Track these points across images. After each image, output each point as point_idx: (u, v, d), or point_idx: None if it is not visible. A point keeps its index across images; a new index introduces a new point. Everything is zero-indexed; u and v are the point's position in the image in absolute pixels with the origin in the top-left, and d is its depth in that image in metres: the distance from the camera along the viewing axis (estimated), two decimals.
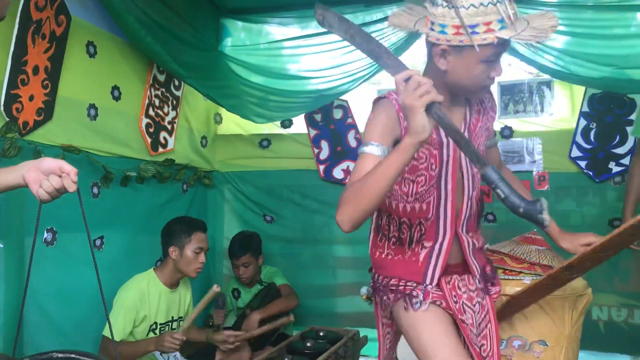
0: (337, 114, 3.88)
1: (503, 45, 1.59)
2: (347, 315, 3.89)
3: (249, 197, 4.02)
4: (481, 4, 1.53)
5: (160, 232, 2.93)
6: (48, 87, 2.45)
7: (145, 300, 2.69)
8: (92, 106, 2.76)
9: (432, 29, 1.61)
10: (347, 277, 3.91)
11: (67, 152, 2.57)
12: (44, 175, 1.33)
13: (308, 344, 3.13)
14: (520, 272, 2.14)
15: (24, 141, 2.35)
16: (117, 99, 2.95)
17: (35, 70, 2.37)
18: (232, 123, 4.03)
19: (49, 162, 1.33)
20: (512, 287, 2.08)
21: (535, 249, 2.19)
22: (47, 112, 2.46)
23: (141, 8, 2.95)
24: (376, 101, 1.77)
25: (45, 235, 2.51)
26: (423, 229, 1.78)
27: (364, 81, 3.62)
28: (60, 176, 1.34)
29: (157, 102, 3.28)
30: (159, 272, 2.81)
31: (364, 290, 3.88)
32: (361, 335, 3.52)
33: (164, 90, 3.35)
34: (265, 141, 4.00)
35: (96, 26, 2.81)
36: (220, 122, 4.07)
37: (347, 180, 1.68)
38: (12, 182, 1.37)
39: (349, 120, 3.87)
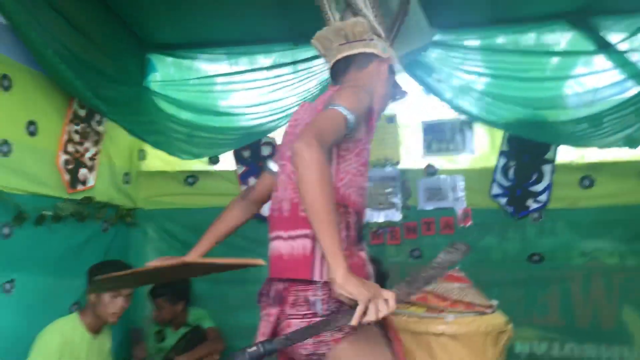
0: (265, 151, 3.87)
1: None
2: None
3: (174, 235, 3.91)
4: None
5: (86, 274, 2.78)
6: None
7: (68, 347, 2.53)
8: (5, 142, 2.61)
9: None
10: None
11: None
12: None
13: None
14: (443, 311, 2.16)
15: None
16: (32, 134, 2.81)
17: None
18: (157, 159, 3.94)
19: None
20: (435, 325, 2.10)
21: (458, 286, 2.23)
22: None
23: (60, 41, 2.86)
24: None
25: None
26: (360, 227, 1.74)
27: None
28: None
29: (77, 137, 3.16)
30: (83, 316, 2.66)
31: None
32: None
33: (85, 125, 3.23)
34: (191, 178, 3.92)
35: (12, 59, 2.68)
36: (145, 158, 3.96)
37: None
38: None
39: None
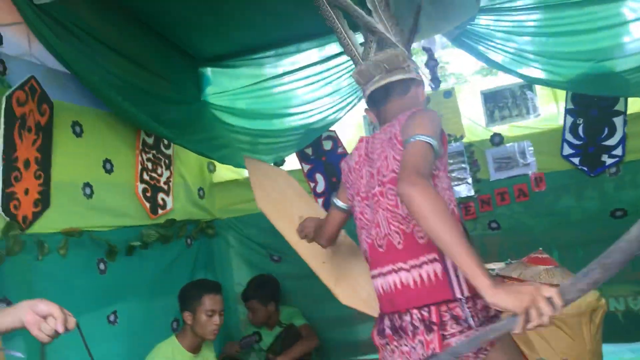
0: (327, 145, 3.91)
1: None
2: (367, 343, 3.83)
3: (253, 239, 4.04)
4: None
5: (177, 297, 2.95)
6: (41, 177, 2.47)
7: None
8: (87, 184, 2.78)
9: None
10: None
11: (69, 237, 2.59)
12: (41, 317, 1.35)
13: None
14: None
15: (26, 235, 2.37)
16: (109, 171, 2.97)
17: (27, 164, 2.39)
18: (226, 169, 4.06)
19: (42, 307, 1.36)
20: None
21: (544, 269, 2.21)
22: (43, 201, 2.48)
23: (120, 76, 2.98)
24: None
25: None
26: None
27: (349, 110, 3.65)
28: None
29: (149, 165, 3.31)
30: (181, 338, 2.83)
31: None
32: None
33: (154, 152, 3.38)
34: None
35: (79, 105, 2.83)
36: (214, 170, 4.10)
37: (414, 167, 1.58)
38: (10, 325, 1.42)
39: (340, 150, 3.89)
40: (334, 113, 3.70)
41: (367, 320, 3.87)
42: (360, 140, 2.01)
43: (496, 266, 2.75)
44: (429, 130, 1.65)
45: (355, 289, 2.87)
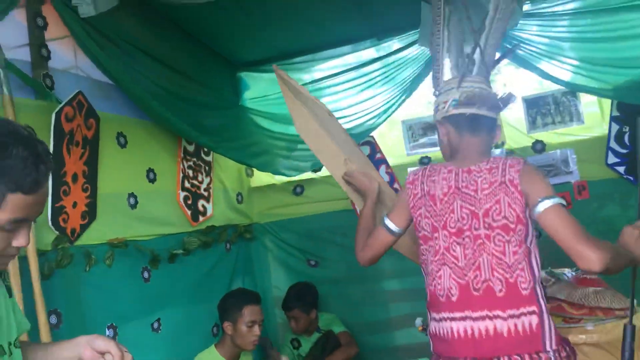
0: (365, 151, 3.89)
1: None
2: (405, 347, 3.90)
3: (290, 244, 4.07)
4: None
5: (217, 308, 2.99)
6: (88, 190, 2.52)
7: None
8: (131, 195, 2.83)
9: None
10: (399, 310, 3.93)
11: (114, 247, 2.64)
12: (99, 354, 1.36)
13: None
14: (581, 319, 2.12)
15: (74, 247, 2.43)
16: (152, 180, 3.02)
17: (74, 178, 2.44)
18: (263, 174, 4.08)
19: (100, 344, 1.36)
20: (574, 334, 2.07)
21: (593, 290, 2.17)
22: (90, 213, 2.53)
23: (161, 86, 3.02)
24: None
25: (107, 332, 2.58)
26: None
27: (388, 116, 3.64)
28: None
29: (190, 173, 3.35)
30: (220, 348, 2.87)
31: (418, 321, 3.89)
32: None
33: (195, 159, 3.42)
34: (298, 187, 4.04)
35: (123, 115, 2.88)
36: (252, 175, 4.13)
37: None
38: None
39: (378, 155, 3.88)
40: (372, 119, 3.68)
41: (403, 327, 3.90)
42: (449, 170, 1.93)
43: None
44: (551, 188, 1.82)
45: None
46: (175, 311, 3.04)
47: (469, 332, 1.78)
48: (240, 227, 3.87)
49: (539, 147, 3.55)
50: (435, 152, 3.82)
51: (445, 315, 1.84)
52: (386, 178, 3.83)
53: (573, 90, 3.38)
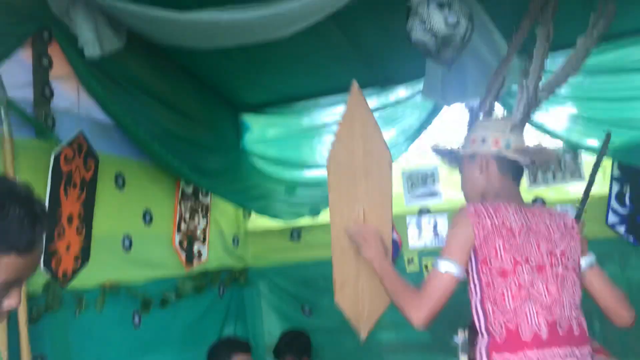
0: None
1: None
2: None
3: (285, 290, 4.01)
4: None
5: (207, 355, 2.91)
6: (82, 233, 2.48)
7: None
8: (126, 237, 2.79)
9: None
10: None
11: (106, 291, 2.59)
12: None
13: None
14: None
15: (65, 291, 2.37)
16: (149, 223, 2.98)
17: (70, 220, 2.40)
18: (260, 218, 4.04)
19: None
20: None
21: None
22: (83, 256, 2.49)
23: (163, 127, 3.01)
24: None
25: None
26: None
27: None
28: None
29: (187, 215, 3.31)
30: None
31: None
32: None
33: (193, 201, 3.38)
34: (295, 232, 4.00)
35: (122, 156, 2.86)
36: (249, 217, 4.09)
37: None
38: None
39: None
40: None
41: None
42: (514, 207, 1.86)
43: None
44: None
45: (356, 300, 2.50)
46: (165, 358, 2.97)
47: None
48: (234, 271, 3.81)
49: (538, 203, 3.53)
50: (434, 203, 3.80)
51: (530, 353, 1.73)
52: None
53: (574, 147, 3.38)
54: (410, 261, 3.78)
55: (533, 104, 2.01)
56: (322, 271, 3.95)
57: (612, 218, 3.38)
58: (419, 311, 1.80)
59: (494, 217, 1.80)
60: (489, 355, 1.75)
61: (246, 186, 3.61)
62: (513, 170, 1.94)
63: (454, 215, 1.86)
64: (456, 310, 3.26)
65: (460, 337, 3.33)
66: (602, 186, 3.46)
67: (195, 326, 3.27)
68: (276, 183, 3.77)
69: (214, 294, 3.55)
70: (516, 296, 1.75)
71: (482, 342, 1.79)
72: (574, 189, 3.53)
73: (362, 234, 2.20)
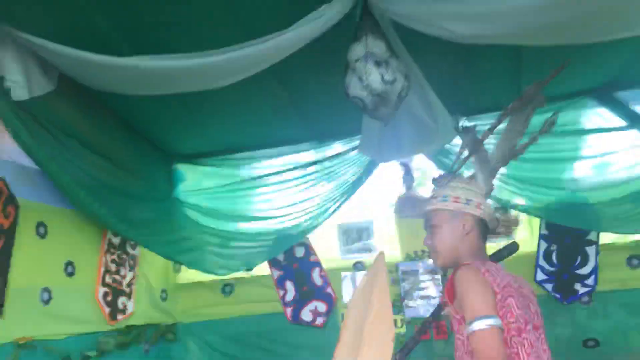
0: (299, 252, 3.83)
1: None
2: None
3: (215, 348, 3.85)
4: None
5: None
6: None
7: None
8: (45, 289, 2.62)
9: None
10: None
11: (21, 348, 2.40)
12: None
13: None
14: None
15: None
16: (71, 274, 2.82)
17: None
18: (191, 270, 3.90)
19: None
20: None
21: None
22: None
23: (92, 175, 2.89)
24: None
25: None
26: None
27: (327, 217, 3.61)
28: None
29: (113, 267, 3.16)
30: None
31: None
32: None
33: (120, 252, 3.24)
34: (227, 287, 3.89)
35: (46, 204, 2.71)
36: (179, 270, 3.94)
37: None
38: None
39: (312, 257, 3.81)
40: (310, 220, 3.65)
41: None
42: (506, 274, 1.85)
43: None
44: None
45: None
46: None
47: None
48: (162, 327, 3.64)
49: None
50: (368, 258, 3.80)
51: None
52: (319, 282, 3.75)
53: (504, 206, 3.47)
54: (344, 317, 3.73)
55: (494, 173, 2.05)
56: (254, 327, 3.85)
57: (540, 275, 3.47)
58: None
59: (498, 276, 1.78)
60: None
61: (177, 238, 3.49)
62: (486, 234, 1.95)
63: (461, 277, 1.74)
64: None
65: None
66: (530, 244, 3.56)
67: None
68: (210, 235, 3.67)
69: (139, 351, 3.37)
70: (530, 354, 1.73)
71: None
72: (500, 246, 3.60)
73: None
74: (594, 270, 3.38)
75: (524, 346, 1.74)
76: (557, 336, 3.47)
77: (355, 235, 3.83)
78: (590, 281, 3.38)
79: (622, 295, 3.41)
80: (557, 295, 3.43)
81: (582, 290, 3.40)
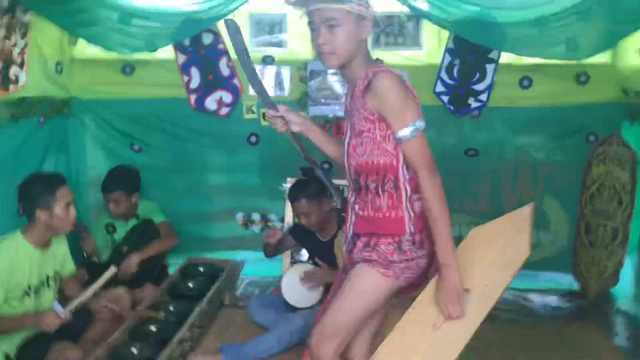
0: (207, 39, 3.69)
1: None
2: (224, 240, 3.99)
3: (113, 125, 3.81)
4: None
5: (18, 192, 2.67)
6: None
7: (16, 268, 2.51)
8: None
9: None
10: (222, 204, 3.97)
11: None
12: None
13: (190, 285, 3.22)
14: None
15: None
16: None
17: None
18: (90, 46, 3.66)
19: None
20: None
21: None
22: None
23: None
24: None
25: None
26: None
27: (240, 4, 3.42)
28: None
29: (2, 32, 2.88)
30: (29, 234, 2.60)
31: (239, 216, 3.97)
32: (239, 260, 3.65)
33: (9, 17, 2.93)
34: (128, 67, 3.73)
35: None
36: (75, 43, 3.68)
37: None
38: None
39: (221, 46, 3.70)
40: (220, 5, 3.43)
41: (223, 220, 3.97)
42: None
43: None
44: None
45: None
46: None
47: None
48: (57, 101, 3.49)
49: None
50: (279, 52, 3.75)
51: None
52: (226, 72, 3.70)
53: (419, 15, 3.47)
54: (248, 109, 3.78)
55: None
56: (155, 110, 3.83)
57: (439, 87, 3.64)
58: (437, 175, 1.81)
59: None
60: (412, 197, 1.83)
61: (75, 9, 3.18)
62: None
63: (389, 84, 1.73)
64: (286, 159, 3.43)
65: (288, 184, 3.52)
66: (436, 56, 3.67)
67: (13, 156, 3.01)
68: (108, 9, 3.37)
69: (33, 124, 3.25)
70: None
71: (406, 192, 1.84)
72: (412, 57, 3.69)
73: None
74: (489, 87, 3.60)
75: None
76: (444, 145, 3.78)
77: (267, 28, 3.72)
78: (483, 97, 3.61)
79: (508, 112, 3.72)
80: (451, 107, 3.66)
81: (474, 104, 3.64)
